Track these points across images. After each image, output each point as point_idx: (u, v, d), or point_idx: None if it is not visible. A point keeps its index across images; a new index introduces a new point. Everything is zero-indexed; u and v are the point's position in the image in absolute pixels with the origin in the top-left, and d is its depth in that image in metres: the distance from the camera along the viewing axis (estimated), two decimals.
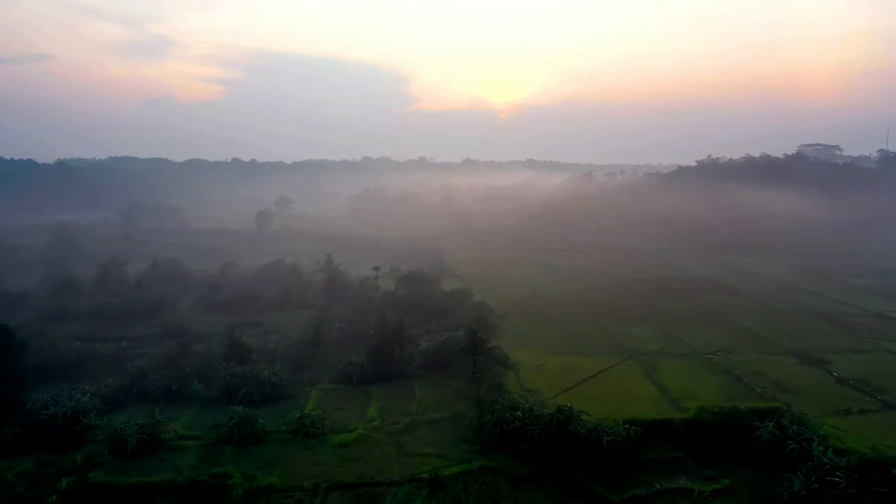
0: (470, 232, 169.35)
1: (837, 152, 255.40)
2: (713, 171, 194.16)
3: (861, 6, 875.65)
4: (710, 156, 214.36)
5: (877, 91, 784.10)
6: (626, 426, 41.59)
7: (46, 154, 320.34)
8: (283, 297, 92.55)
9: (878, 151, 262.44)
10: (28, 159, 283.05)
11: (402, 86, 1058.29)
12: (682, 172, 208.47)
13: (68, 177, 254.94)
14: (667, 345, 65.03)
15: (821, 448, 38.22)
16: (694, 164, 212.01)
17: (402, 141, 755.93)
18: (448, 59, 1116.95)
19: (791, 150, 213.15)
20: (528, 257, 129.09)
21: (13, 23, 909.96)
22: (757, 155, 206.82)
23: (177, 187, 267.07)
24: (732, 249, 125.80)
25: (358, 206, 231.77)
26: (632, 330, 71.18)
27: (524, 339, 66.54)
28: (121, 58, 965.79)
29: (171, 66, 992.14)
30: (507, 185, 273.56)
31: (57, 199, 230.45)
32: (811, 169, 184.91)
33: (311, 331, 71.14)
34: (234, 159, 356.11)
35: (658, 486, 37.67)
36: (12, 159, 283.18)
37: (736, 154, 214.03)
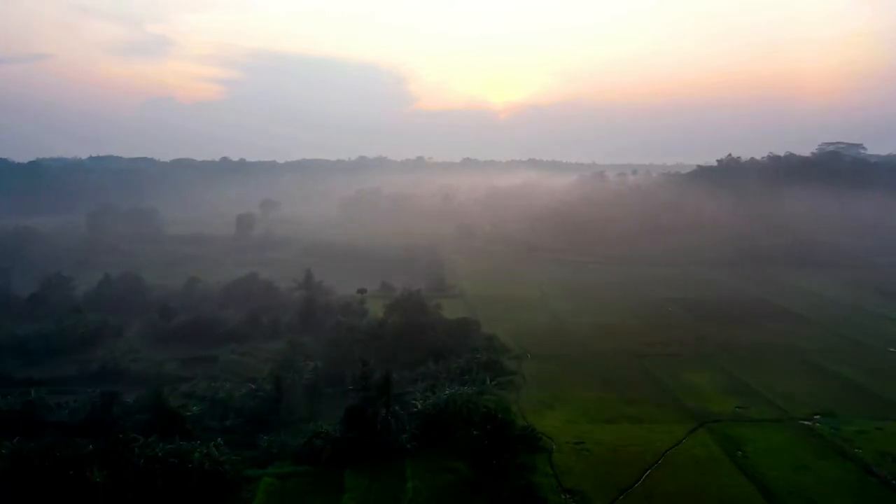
0: (472, 238, 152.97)
1: (862, 151, 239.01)
2: (737, 172, 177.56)
3: (861, 6, 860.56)
4: (730, 154, 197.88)
5: (877, 91, 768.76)
6: None
7: (44, 154, 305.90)
8: (251, 323, 76.89)
9: None
10: (2, 158, 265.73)
11: (401, 85, 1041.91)
12: (702, 172, 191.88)
13: (41, 177, 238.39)
14: (743, 402, 48.86)
15: None
16: (715, 163, 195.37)
17: (401, 140, 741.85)
18: (448, 59, 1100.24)
19: (796, 150, 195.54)
20: (541, 270, 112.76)
21: (12, 22, 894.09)
22: (782, 153, 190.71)
23: (160, 188, 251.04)
24: (776, 261, 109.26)
25: (350, 209, 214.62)
26: (688, 376, 55.22)
27: (552, 394, 50.49)
28: (120, 57, 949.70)
29: (170, 66, 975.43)
30: (510, 186, 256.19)
31: (29, 200, 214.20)
32: (847, 169, 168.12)
33: (274, 378, 55.36)
34: (224, 158, 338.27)
35: None
36: None
37: (740, 153, 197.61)
